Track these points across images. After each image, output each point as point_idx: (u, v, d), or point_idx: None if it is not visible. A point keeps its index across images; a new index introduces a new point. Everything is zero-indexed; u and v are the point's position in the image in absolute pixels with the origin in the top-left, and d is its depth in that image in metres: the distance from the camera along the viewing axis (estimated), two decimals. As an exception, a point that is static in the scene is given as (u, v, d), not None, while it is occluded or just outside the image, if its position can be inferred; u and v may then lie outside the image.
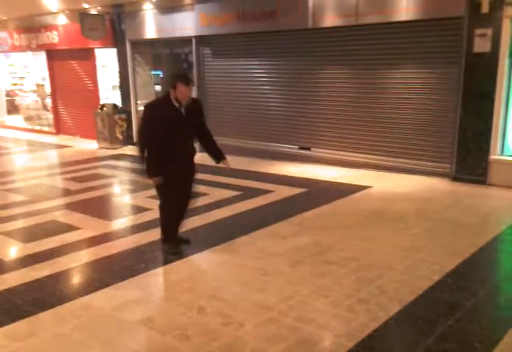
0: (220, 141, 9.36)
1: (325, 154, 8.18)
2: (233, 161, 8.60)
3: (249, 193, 6.46)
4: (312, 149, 8.37)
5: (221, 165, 4.76)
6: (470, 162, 6.58)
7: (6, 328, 3.21)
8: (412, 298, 3.44)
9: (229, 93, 9.36)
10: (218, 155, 4.72)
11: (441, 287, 3.63)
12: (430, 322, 3.15)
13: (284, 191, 6.52)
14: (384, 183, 6.79)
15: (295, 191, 6.55)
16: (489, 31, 6.12)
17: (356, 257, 4.23)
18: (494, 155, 6.38)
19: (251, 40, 8.74)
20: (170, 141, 4.23)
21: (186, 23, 9.37)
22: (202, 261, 4.31)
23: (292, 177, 7.40)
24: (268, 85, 8.79)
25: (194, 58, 9.64)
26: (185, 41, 9.62)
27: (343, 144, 7.94)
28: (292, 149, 8.62)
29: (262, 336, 3.04)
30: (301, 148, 8.50)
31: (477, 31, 6.20)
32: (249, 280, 3.87)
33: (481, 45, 6.21)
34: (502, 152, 6.42)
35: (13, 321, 3.28)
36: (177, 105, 4.23)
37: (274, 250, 4.46)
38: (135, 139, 8.12)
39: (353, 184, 6.80)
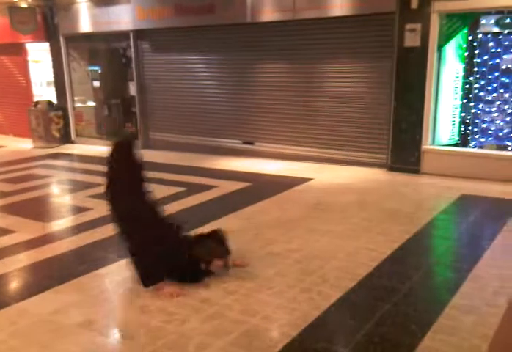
0: (163, 137, 9.41)
1: (268, 148, 8.27)
2: (177, 157, 8.60)
3: (193, 188, 6.43)
4: (256, 143, 8.43)
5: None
6: (404, 152, 6.88)
7: None
8: (352, 285, 3.57)
9: (171, 88, 9.23)
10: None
11: (379, 273, 3.79)
12: (369, 307, 3.28)
13: (228, 186, 6.53)
14: (324, 175, 6.97)
15: (240, 185, 6.58)
16: (418, 26, 6.39)
17: (299, 248, 4.32)
18: (426, 145, 6.71)
19: (190, 34, 8.66)
20: None
21: (123, 17, 9.13)
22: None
23: (236, 172, 7.43)
24: (210, 80, 8.75)
25: (132, 52, 9.41)
26: (123, 35, 9.38)
27: (285, 137, 8.06)
28: (235, 144, 8.64)
29: (206, 332, 3.05)
30: (245, 143, 8.55)
31: (407, 26, 6.47)
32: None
33: (411, 40, 6.49)
34: (433, 142, 6.76)
35: None
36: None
37: (219, 245, 4.46)
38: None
39: (295, 177, 6.93)
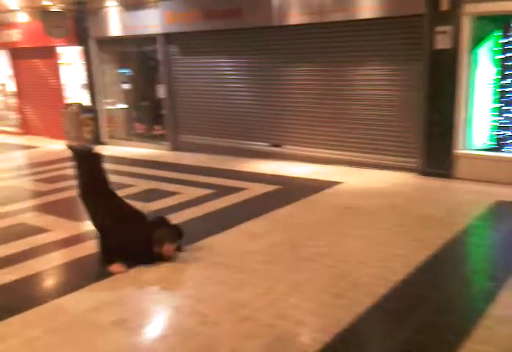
0: (192, 139, 9.49)
1: (296, 151, 8.24)
2: (205, 159, 8.67)
3: (222, 191, 6.46)
4: (283, 146, 8.42)
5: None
6: (436, 156, 6.74)
7: (-26, 334, 3.13)
8: (385, 292, 3.52)
9: (199, 91, 9.31)
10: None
11: (412, 280, 3.73)
12: (403, 315, 3.23)
13: (257, 189, 6.54)
14: (354, 179, 6.90)
15: (268, 188, 6.57)
16: (449, 29, 6.28)
17: (330, 253, 4.29)
18: (459, 150, 6.56)
19: (217, 38, 8.71)
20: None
21: (152, 21, 9.26)
22: (178, 260, 4.28)
23: (264, 175, 7.43)
24: (237, 82, 8.79)
25: (161, 56, 9.53)
26: (152, 39, 9.51)
27: (314, 140, 8.01)
28: (263, 146, 8.64)
29: (238, 334, 3.05)
30: (273, 145, 8.54)
31: (438, 29, 6.36)
32: (224, 278, 3.87)
33: (442, 42, 6.38)
34: (466, 147, 6.61)
35: (-17, 327, 3.20)
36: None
37: (249, 247, 4.48)
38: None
39: (324, 180, 6.88)
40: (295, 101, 8.10)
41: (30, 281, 3.95)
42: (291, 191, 6.52)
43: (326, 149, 7.89)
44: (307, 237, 4.69)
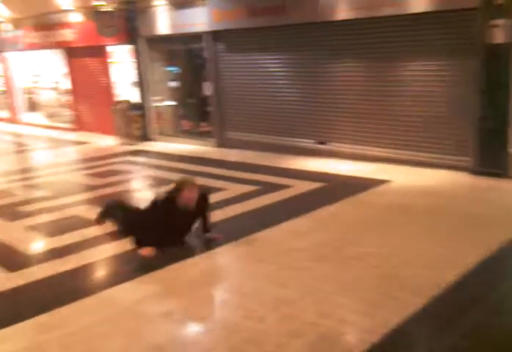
0: (238, 136, 9.56)
1: (342, 148, 8.14)
2: (251, 156, 8.71)
3: (267, 188, 6.47)
4: (329, 143, 8.33)
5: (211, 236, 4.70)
6: (489, 155, 6.47)
7: (33, 320, 3.29)
8: (435, 293, 3.42)
9: (245, 88, 9.36)
10: (206, 227, 4.69)
11: (464, 281, 3.60)
12: (453, 317, 3.13)
13: (302, 186, 6.51)
14: (403, 177, 6.73)
15: (314, 185, 6.53)
16: (504, 22, 6.02)
17: (378, 252, 4.21)
18: (515, 148, 6.28)
19: (263, 35, 8.70)
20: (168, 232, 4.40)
21: (199, 19, 9.37)
22: (223, 256, 4.34)
23: (310, 172, 7.38)
24: (283, 79, 8.76)
25: (208, 53, 9.65)
26: (199, 36, 9.63)
27: (361, 137, 7.88)
28: (309, 143, 8.59)
29: (282, 332, 3.06)
30: (318, 143, 8.47)
31: (492, 22, 6.10)
32: (269, 275, 3.88)
33: (496, 36, 6.11)
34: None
35: (40, 313, 3.35)
36: (182, 208, 4.35)
37: (295, 245, 4.47)
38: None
39: (372, 178, 6.76)
40: (342, 98, 7.99)
41: (83, 272, 4.11)
42: (337, 189, 6.45)
43: (373, 146, 7.75)
44: (353, 237, 4.63)
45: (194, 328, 3.22)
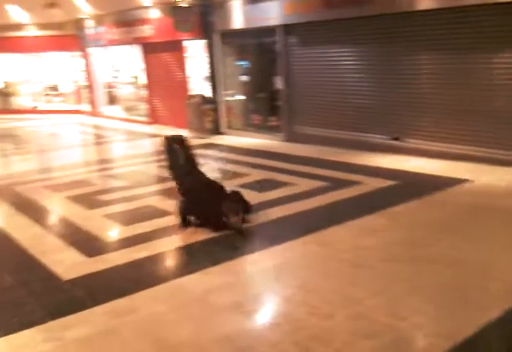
0: (307, 130, 9.48)
1: (418, 145, 7.80)
2: (320, 151, 8.61)
3: (337, 184, 6.36)
4: (404, 139, 8.02)
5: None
6: None
7: (107, 304, 3.45)
8: (516, 301, 3.20)
9: (316, 82, 9.23)
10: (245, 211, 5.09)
11: (550, 291, 3.34)
12: (537, 328, 2.91)
13: (373, 183, 6.33)
14: (483, 176, 6.34)
15: (386, 183, 6.32)
16: None
17: (454, 255, 4.01)
18: None
19: (336, 27, 8.52)
20: None
21: (272, 12, 9.35)
22: (290, 251, 4.32)
23: (382, 169, 7.15)
24: (356, 73, 8.54)
25: (279, 47, 9.61)
26: (271, 30, 9.61)
27: (438, 133, 7.50)
28: (382, 139, 8.32)
29: (350, 331, 2.99)
30: (392, 138, 8.18)
31: None
32: (337, 272, 3.82)
33: None
34: None
35: (114, 298, 3.52)
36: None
37: (364, 243, 4.36)
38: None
39: (450, 177, 6.42)
40: (418, 92, 7.66)
41: (155, 260, 4.26)
42: (411, 187, 6.20)
43: (452, 143, 7.35)
44: (428, 237, 4.43)
45: (260, 321, 3.23)
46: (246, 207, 4.98)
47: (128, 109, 15.12)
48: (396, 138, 8.11)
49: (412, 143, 7.89)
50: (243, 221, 4.86)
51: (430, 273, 3.71)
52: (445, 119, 7.39)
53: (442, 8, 6.96)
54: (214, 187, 5.10)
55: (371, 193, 5.96)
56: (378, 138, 8.37)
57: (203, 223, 4.89)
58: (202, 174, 5.28)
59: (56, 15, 13.94)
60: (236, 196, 5.02)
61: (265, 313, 3.34)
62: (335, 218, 5.01)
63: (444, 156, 7.40)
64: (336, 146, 8.80)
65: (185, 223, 4.94)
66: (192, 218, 4.98)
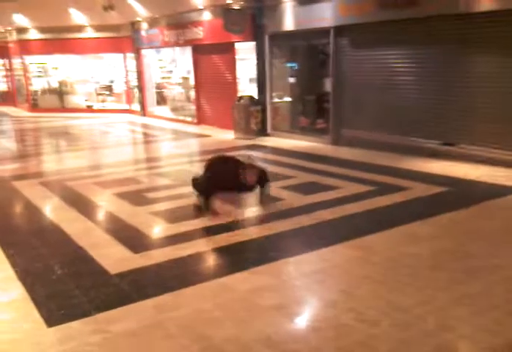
0: (355, 134, 9.33)
1: (471, 151, 7.51)
2: (368, 155, 8.46)
3: (384, 189, 6.22)
4: (458, 145, 7.74)
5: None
6: None
7: (153, 299, 3.52)
8: None
9: (366, 84, 9.08)
10: (260, 201, 5.64)
11: None
12: None
13: (422, 189, 6.15)
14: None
15: (436, 189, 6.13)
16: None
17: (507, 265, 3.84)
18: None
19: (390, 28, 8.34)
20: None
21: (325, 14, 9.28)
22: (333, 255, 4.26)
23: (432, 175, 6.93)
24: (408, 75, 8.34)
25: (331, 49, 9.52)
26: (323, 32, 9.53)
27: (497, 140, 7.16)
28: (433, 144, 8.07)
29: (396, 339, 2.91)
30: (445, 144, 7.91)
31: None
32: (382, 279, 3.73)
33: None
34: None
35: (160, 294, 3.58)
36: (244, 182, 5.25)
37: (411, 251, 4.24)
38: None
39: (503, 185, 6.15)
40: (474, 96, 7.39)
41: (199, 258, 4.31)
42: (462, 194, 5.98)
43: (509, 150, 7.03)
44: (479, 247, 4.26)
45: (303, 325, 3.20)
46: (262, 173, 5.45)
47: (176, 109, 15.43)
48: (450, 144, 7.83)
49: (465, 149, 7.61)
50: (264, 180, 5.43)
51: (479, 283, 3.56)
52: (501, 124, 7.08)
53: (501, 10, 6.68)
54: (230, 159, 5.58)
55: (419, 199, 5.79)
56: (428, 143, 8.13)
57: (227, 191, 5.40)
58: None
59: (113, 17, 14.44)
60: (252, 164, 5.41)
61: (309, 317, 3.30)
62: (381, 224, 4.91)
63: (498, 163, 7.10)
64: (384, 150, 8.62)
65: (207, 204, 5.33)
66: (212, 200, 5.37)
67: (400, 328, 3.02)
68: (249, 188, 5.41)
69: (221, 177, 5.23)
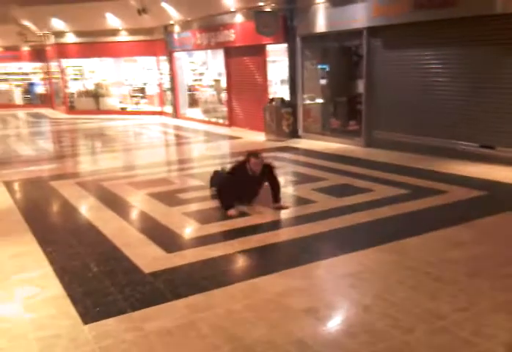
0: (388, 136, 9.19)
1: (510, 153, 7.28)
2: (401, 157, 8.31)
3: (419, 192, 6.09)
4: (497, 147, 7.51)
5: (276, 206, 5.67)
6: None
7: (186, 299, 3.54)
8: None
9: (400, 85, 8.93)
10: (276, 198, 5.71)
11: None
12: None
13: (459, 193, 5.99)
14: None
15: (474, 193, 5.96)
16: None
17: (548, 273, 3.69)
18: None
19: (424, 29, 8.19)
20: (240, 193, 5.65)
21: (357, 15, 9.18)
22: (368, 258, 4.19)
23: (470, 178, 6.75)
24: (443, 76, 8.16)
25: (364, 50, 9.41)
26: (355, 33, 9.44)
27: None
28: (471, 146, 7.86)
29: (433, 346, 2.84)
30: (483, 146, 7.69)
31: None
32: (418, 284, 3.65)
33: None
34: None
35: (192, 294, 3.60)
36: (251, 173, 5.51)
37: (448, 256, 4.13)
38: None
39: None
40: (513, 97, 7.17)
41: (231, 259, 4.31)
42: (501, 198, 5.81)
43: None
44: (519, 253, 4.11)
45: (336, 329, 3.15)
46: (267, 167, 5.68)
47: (207, 111, 15.57)
48: (488, 146, 7.61)
49: (504, 151, 7.38)
50: (272, 178, 5.71)
51: (522, 291, 3.43)
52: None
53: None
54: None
55: (457, 203, 5.64)
56: (466, 146, 7.92)
57: (244, 197, 5.73)
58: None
59: (146, 21, 14.70)
60: (257, 153, 5.62)
61: (342, 321, 3.25)
62: (417, 228, 4.80)
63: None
64: (418, 152, 8.45)
65: (229, 204, 5.52)
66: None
67: (436, 335, 2.95)
68: (256, 194, 5.81)
69: (241, 184, 5.52)
